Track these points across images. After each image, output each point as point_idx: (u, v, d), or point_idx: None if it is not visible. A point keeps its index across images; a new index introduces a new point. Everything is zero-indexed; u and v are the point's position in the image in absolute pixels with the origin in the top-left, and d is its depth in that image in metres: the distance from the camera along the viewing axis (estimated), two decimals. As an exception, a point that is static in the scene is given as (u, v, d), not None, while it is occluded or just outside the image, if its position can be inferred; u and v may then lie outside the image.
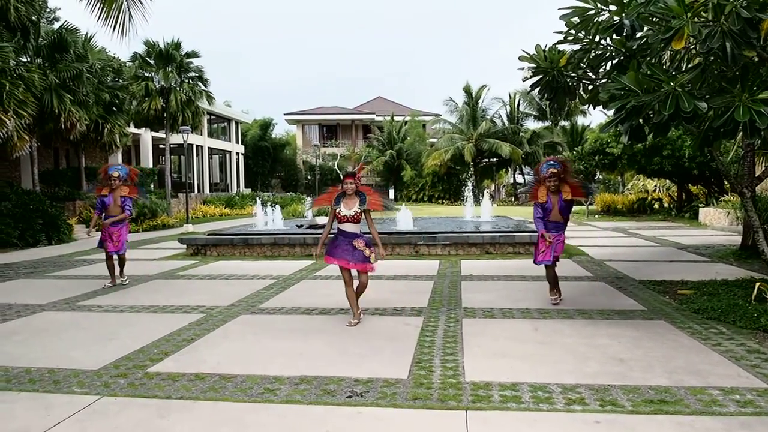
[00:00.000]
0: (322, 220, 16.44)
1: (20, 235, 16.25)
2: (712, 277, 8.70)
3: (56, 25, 22.41)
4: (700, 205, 22.69)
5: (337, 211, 6.38)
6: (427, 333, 5.99)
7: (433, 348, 5.44)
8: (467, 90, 45.33)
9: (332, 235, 6.58)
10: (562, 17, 6.16)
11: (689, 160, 20.98)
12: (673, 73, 5.98)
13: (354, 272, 6.47)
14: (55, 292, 8.79)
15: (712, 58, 5.50)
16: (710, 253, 12.06)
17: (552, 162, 7.18)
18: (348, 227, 6.37)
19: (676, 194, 26.31)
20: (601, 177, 36.46)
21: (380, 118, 53.85)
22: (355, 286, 6.49)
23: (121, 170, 9.05)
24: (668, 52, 6.25)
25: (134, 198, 9.24)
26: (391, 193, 47.99)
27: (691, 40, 5.26)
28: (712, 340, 5.54)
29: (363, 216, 6.40)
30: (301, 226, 16.04)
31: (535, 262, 7.30)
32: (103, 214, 9.01)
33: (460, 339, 5.74)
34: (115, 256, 9.24)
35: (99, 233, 9.15)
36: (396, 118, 51.51)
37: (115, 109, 23.30)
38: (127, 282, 9.50)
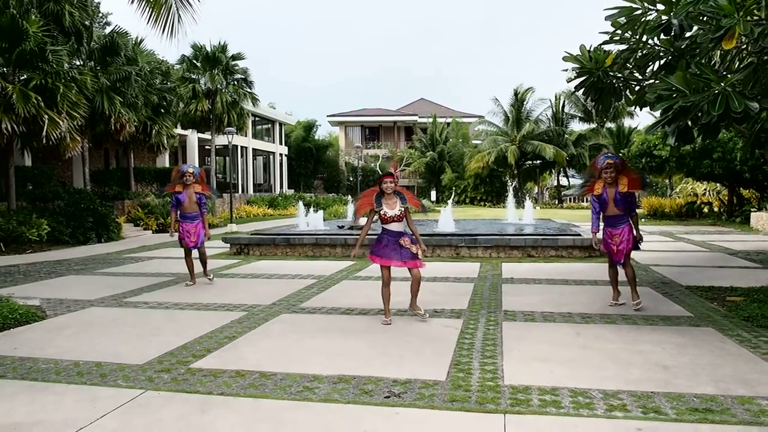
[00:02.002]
0: (364, 221, 16.51)
1: (72, 232, 16.82)
2: (764, 284, 8.39)
3: (108, 30, 23.14)
4: (752, 209, 21.94)
5: (381, 212, 6.40)
6: (467, 335, 5.96)
7: (472, 350, 5.40)
8: (515, 92, 44.87)
9: (374, 236, 6.61)
10: (608, 18, 6.05)
11: (741, 163, 20.30)
12: (724, 73, 5.80)
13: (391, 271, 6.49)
14: (103, 289, 9.07)
15: (765, 57, 5.33)
16: (762, 259, 11.64)
17: (609, 154, 7.00)
18: (393, 226, 6.41)
19: (726, 198, 25.51)
20: (648, 180, 35.65)
21: (423, 120, 53.83)
22: (406, 286, 6.52)
23: (194, 169, 9.25)
24: (718, 51, 6.08)
25: (207, 194, 9.41)
26: (433, 194, 47.90)
27: (742, 39, 5.10)
28: (761, 348, 5.35)
29: (405, 214, 6.41)
30: (342, 227, 16.14)
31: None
32: (179, 213, 9.14)
33: (500, 342, 5.68)
34: (195, 253, 9.36)
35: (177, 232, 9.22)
36: (438, 120, 51.40)
37: (162, 110, 23.88)
38: (212, 280, 9.52)
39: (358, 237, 13.17)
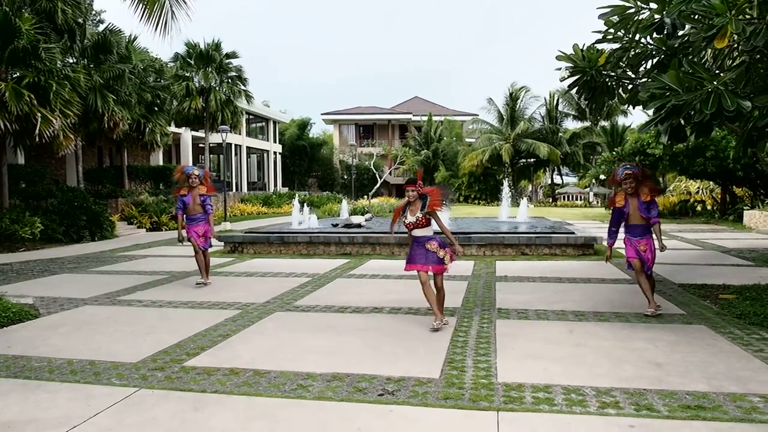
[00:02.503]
0: (357, 219, 16.53)
1: (65, 231, 16.75)
2: (756, 282, 8.45)
3: (101, 27, 23.04)
4: (744, 207, 22.04)
5: (404, 221, 6.40)
6: (460, 333, 5.97)
7: (465, 348, 5.42)
8: (509, 91, 44.94)
9: (410, 244, 6.53)
10: (601, 16, 6.07)
11: (734, 162, 20.41)
12: (716, 71, 5.83)
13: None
14: (97, 287, 9.04)
15: (757, 56, 5.36)
16: (754, 257, 11.72)
17: (627, 165, 6.90)
18: (417, 232, 6.38)
19: (719, 196, 25.64)
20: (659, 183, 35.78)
21: (417, 118, 53.87)
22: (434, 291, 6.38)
23: (199, 170, 9.18)
24: (711, 50, 6.11)
25: (212, 195, 9.33)
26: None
27: (734, 38, 5.13)
28: (753, 345, 5.39)
29: (431, 218, 6.35)
30: (337, 225, 16.14)
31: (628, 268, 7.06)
32: (185, 216, 9.06)
33: (494, 340, 5.70)
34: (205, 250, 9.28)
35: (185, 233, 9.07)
36: (433, 118, 51.43)
37: (156, 108, 23.79)
38: (208, 284, 9.29)
39: (351, 235, 13.26)
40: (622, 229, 6.93)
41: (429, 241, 6.33)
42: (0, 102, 14.34)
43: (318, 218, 18.27)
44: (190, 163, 34.69)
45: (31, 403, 4.18)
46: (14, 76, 15.75)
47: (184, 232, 9.07)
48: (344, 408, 4.03)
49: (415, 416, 3.88)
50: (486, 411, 3.93)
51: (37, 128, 14.73)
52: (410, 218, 6.34)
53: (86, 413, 3.97)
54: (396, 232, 7.96)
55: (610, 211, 7.17)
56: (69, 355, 5.33)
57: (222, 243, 14.18)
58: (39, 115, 14.79)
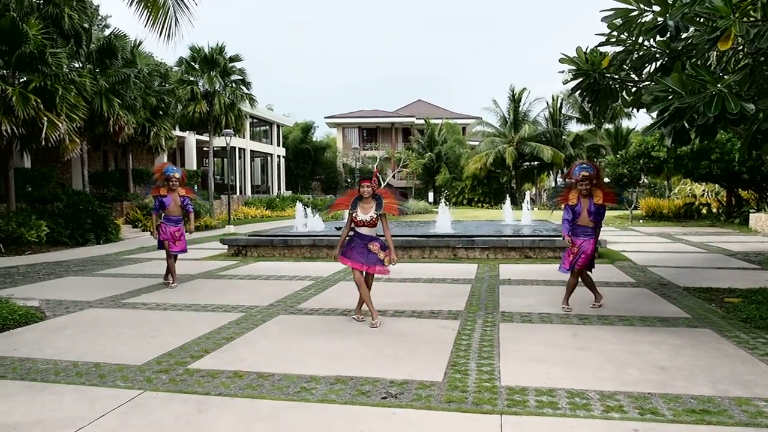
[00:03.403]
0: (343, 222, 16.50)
1: (70, 234, 16.82)
2: (762, 285, 8.41)
3: (107, 32, 23.13)
4: (750, 210, 21.96)
5: (354, 215, 6.47)
6: (464, 336, 5.97)
7: (469, 351, 5.41)
8: (510, 93, 44.93)
9: (349, 237, 6.66)
10: (603, 19, 6.07)
11: (739, 164, 20.31)
12: (720, 74, 5.82)
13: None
14: (102, 290, 9.08)
15: (761, 58, 5.34)
16: (760, 260, 11.67)
17: (585, 165, 7.07)
18: (364, 230, 6.49)
19: (725, 199, 25.54)
20: (646, 181, 35.69)
21: (420, 121, 53.85)
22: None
23: (178, 172, 9.28)
24: (714, 53, 6.09)
25: (192, 197, 9.43)
26: (431, 196, 47.90)
27: (738, 41, 5.12)
28: (759, 349, 5.37)
29: (379, 220, 6.47)
30: (340, 228, 16.13)
31: (560, 269, 7.24)
32: (162, 214, 9.18)
33: (497, 343, 5.70)
34: (178, 256, 9.41)
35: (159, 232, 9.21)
36: (436, 121, 51.43)
37: (161, 112, 23.88)
38: (175, 286, 9.45)
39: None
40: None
41: (372, 242, 6.45)
42: (7, 106, 14.42)
43: (324, 221, 18.27)
44: (194, 167, 34.79)
45: (37, 404, 4.20)
46: (21, 80, 15.84)
47: (156, 230, 9.24)
48: (347, 411, 4.03)
49: (419, 419, 3.89)
50: (489, 414, 3.93)
51: (44, 132, 14.81)
52: (362, 216, 6.42)
53: (91, 415, 3.98)
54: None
55: (561, 209, 7.27)
56: (74, 358, 5.35)
57: (226, 246, 14.22)
58: (45, 119, 14.86)
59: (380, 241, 6.47)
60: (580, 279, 7.26)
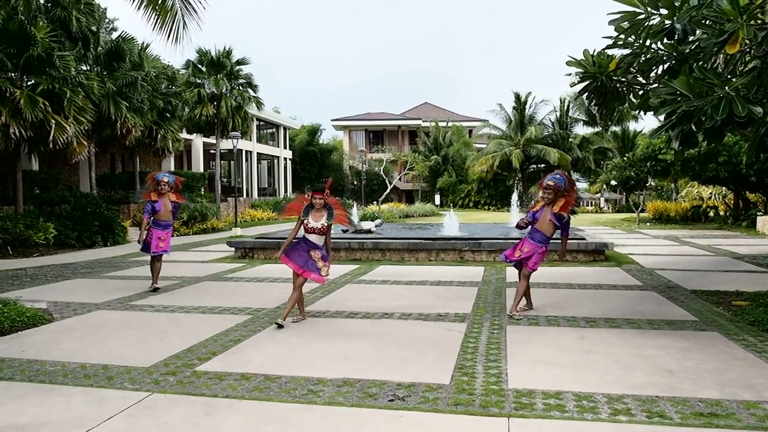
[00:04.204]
0: (368, 224, 16.54)
1: (78, 236, 16.88)
2: (770, 288, 8.38)
3: (114, 35, 23.27)
4: (758, 213, 21.88)
5: (305, 222, 6.70)
6: (471, 339, 5.97)
7: (476, 354, 5.41)
8: (516, 96, 44.93)
9: (296, 240, 6.86)
10: (611, 22, 6.06)
11: (747, 167, 20.26)
12: (727, 77, 5.81)
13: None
14: (109, 292, 9.12)
15: (769, 61, 5.33)
16: (768, 264, 11.62)
17: (556, 176, 7.25)
18: (312, 237, 6.72)
19: (732, 202, 25.43)
20: (653, 184, 35.57)
21: (426, 124, 53.90)
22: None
23: (169, 177, 9.36)
24: (722, 55, 6.08)
25: (182, 203, 9.54)
26: (437, 198, 47.89)
27: (746, 43, 5.11)
28: (767, 353, 5.35)
29: (326, 230, 6.70)
30: (347, 230, 16.15)
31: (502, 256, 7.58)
32: (152, 219, 9.27)
33: (504, 346, 5.69)
34: (162, 257, 9.49)
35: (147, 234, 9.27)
36: (442, 124, 51.45)
37: (168, 115, 23.99)
38: (157, 291, 9.28)
39: (361, 240, 13.27)
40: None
41: (315, 250, 6.71)
42: (15, 109, 14.52)
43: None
44: (201, 169, 34.92)
45: (45, 406, 4.22)
46: (29, 83, 15.96)
47: (145, 233, 9.25)
48: (355, 413, 4.04)
49: (426, 422, 3.89)
50: (497, 417, 3.93)
51: (51, 135, 14.91)
52: (314, 223, 6.68)
53: (99, 417, 4.00)
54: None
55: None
56: (82, 360, 5.38)
57: (233, 248, 14.25)
58: (53, 121, 14.96)
59: (323, 251, 6.74)
60: (518, 281, 7.44)
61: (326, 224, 6.66)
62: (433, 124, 51.70)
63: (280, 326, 6.46)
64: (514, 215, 20.26)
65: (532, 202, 8.01)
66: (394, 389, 4.47)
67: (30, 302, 7.77)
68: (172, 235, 9.55)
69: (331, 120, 58.26)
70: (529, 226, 7.32)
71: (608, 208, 45.38)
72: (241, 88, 29.50)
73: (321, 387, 4.54)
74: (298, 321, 6.86)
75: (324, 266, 6.70)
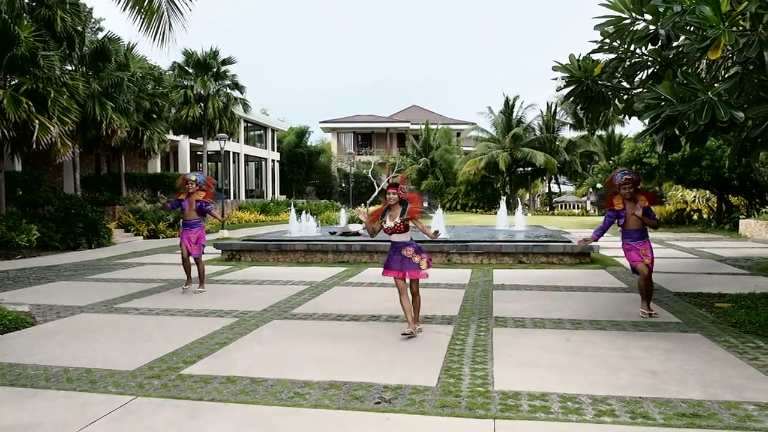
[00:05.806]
0: (355, 227, 16.54)
1: (62, 238, 16.72)
2: (752, 290, 8.48)
3: (100, 35, 23.11)
4: (740, 216, 22.11)
5: (383, 224, 6.40)
6: (457, 341, 5.99)
7: (462, 356, 5.43)
8: (505, 100, 45.16)
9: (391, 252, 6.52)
10: (596, 27, 6.13)
11: (729, 171, 20.48)
12: (710, 82, 5.88)
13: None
14: (93, 295, 9.04)
15: (750, 67, 5.40)
16: (750, 266, 11.75)
17: (626, 171, 7.09)
18: (395, 237, 6.38)
19: (715, 205, 25.71)
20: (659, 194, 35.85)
21: (415, 127, 53.97)
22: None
23: (198, 176, 9.31)
24: (704, 61, 6.16)
25: (210, 201, 9.41)
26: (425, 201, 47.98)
27: (728, 49, 5.18)
28: (749, 354, 5.41)
29: (409, 223, 6.35)
30: (334, 233, 16.15)
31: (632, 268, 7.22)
32: (181, 220, 9.31)
33: (491, 348, 5.72)
34: (192, 260, 9.37)
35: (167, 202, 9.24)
36: (431, 127, 51.57)
37: (154, 116, 23.85)
38: (203, 292, 9.27)
39: (349, 242, 13.25)
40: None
41: (405, 247, 6.34)
42: (-2, 109, 14.36)
43: (319, 225, 18.28)
44: (188, 171, 34.71)
45: (27, 411, 4.18)
46: (13, 83, 15.81)
47: (164, 200, 9.20)
48: (341, 416, 4.04)
49: (412, 424, 3.89)
50: (483, 419, 3.95)
51: (35, 135, 14.75)
52: (389, 223, 6.35)
53: (83, 421, 3.97)
54: (381, 240, 7.97)
55: (605, 214, 7.32)
56: (65, 363, 5.33)
57: (219, 251, 14.18)
58: (37, 122, 14.82)
59: (414, 245, 6.38)
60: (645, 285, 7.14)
61: (400, 221, 6.28)
62: (422, 126, 51.76)
63: (410, 335, 6.11)
64: (502, 218, 20.28)
65: (594, 206, 7.73)
66: (381, 391, 4.47)
67: (12, 305, 7.68)
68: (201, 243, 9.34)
69: (320, 122, 58.17)
70: (601, 234, 7.13)
71: (594, 211, 45.67)
72: (227, 89, 29.41)
73: (307, 390, 4.53)
74: (412, 333, 6.21)
75: (421, 259, 6.29)
